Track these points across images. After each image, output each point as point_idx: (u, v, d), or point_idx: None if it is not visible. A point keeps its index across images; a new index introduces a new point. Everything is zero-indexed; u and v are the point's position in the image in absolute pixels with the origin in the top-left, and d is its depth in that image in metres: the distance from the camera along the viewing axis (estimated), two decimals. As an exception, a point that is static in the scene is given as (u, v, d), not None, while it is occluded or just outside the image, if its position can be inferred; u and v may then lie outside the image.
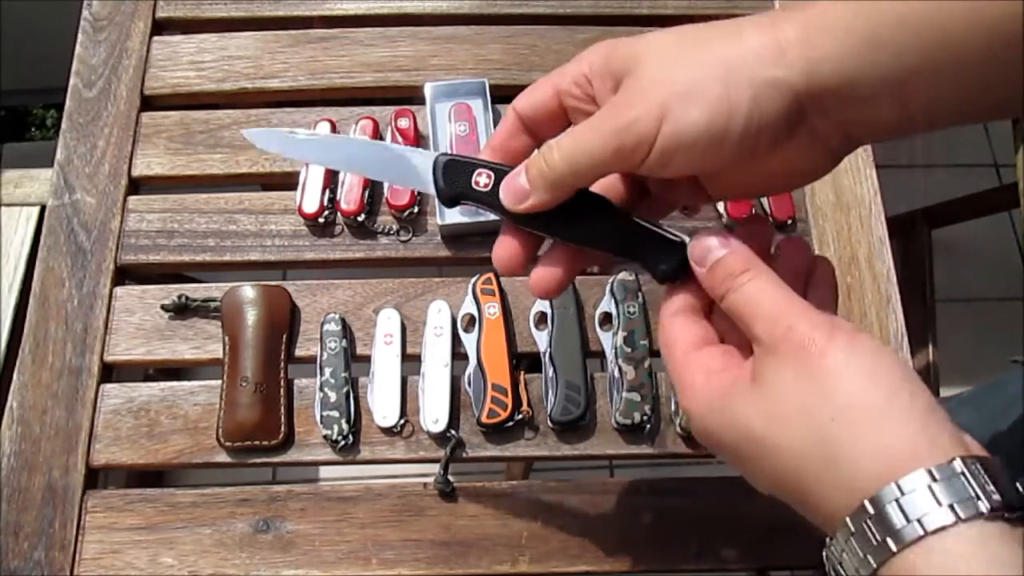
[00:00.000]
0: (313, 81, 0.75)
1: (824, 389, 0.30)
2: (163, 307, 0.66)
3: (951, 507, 0.26)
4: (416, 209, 0.69)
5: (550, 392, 0.62)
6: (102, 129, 0.72)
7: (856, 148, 0.34)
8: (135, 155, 0.72)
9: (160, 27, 0.77)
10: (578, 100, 0.37)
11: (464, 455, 0.62)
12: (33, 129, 1.63)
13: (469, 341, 0.64)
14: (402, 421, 0.62)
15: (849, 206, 0.71)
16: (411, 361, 0.64)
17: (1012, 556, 0.26)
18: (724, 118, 0.31)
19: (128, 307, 0.66)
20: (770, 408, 0.31)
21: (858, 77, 0.30)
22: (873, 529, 0.27)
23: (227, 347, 0.63)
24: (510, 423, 0.61)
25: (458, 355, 0.64)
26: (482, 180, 0.38)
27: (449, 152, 0.40)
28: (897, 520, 0.26)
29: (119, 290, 0.67)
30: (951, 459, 0.27)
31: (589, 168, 0.34)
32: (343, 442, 0.61)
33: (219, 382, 0.63)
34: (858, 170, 0.72)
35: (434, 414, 0.62)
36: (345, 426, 0.61)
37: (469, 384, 0.62)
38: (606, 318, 0.65)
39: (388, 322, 0.65)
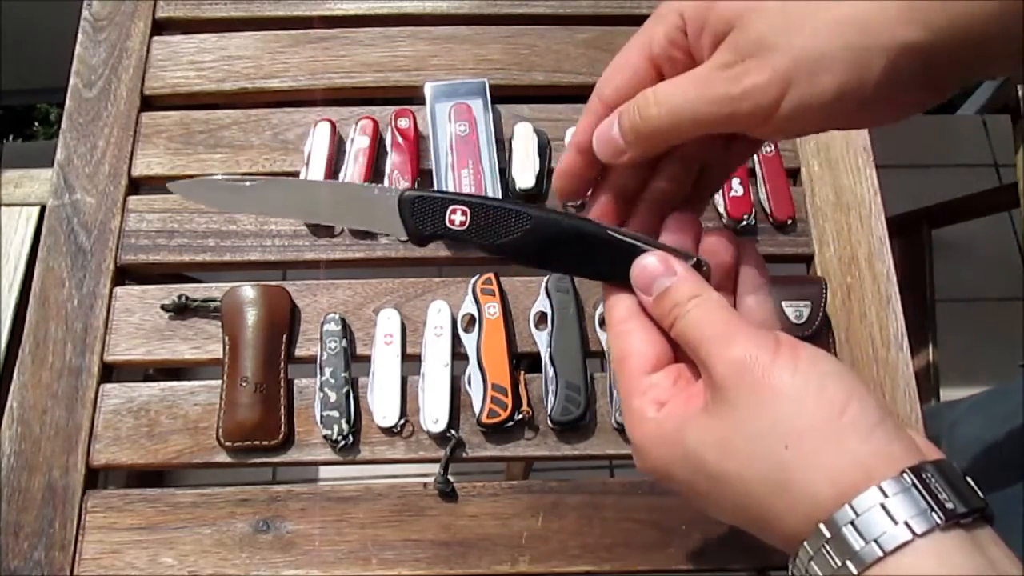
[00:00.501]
0: (313, 81, 0.75)
1: (772, 413, 0.29)
2: (163, 307, 0.66)
3: (906, 524, 0.26)
4: (416, 209, 0.69)
5: (550, 392, 0.62)
6: (102, 129, 0.72)
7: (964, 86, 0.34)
8: (135, 155, 0.72)
9: (160, 27, 0.77)
10: (676, 61, 0.34)
11: (464, 455, 0.62)
12: (36, 124, 1.63)
13: (469, 341, 0.64)
14: (402, 421, 0.62)
15: (849, 206, 0.71)
16: (411, 361, 0.64)
17: (972, 565, 0.26)
18: (856, 85, 0.29)
19: (128, 307, 0.66)
20: (721, 438, 0.30)
21: (997, 30, 0.28)
22: (832, 553, 0.27)
23: (227, 347, 0.63)
24: (510, 423, 0.61)
25: (458, 355, 0.64)
26: (457, 218, 0.35)
27: (413, 188, 0.36)
28: (855, 543, 0.26)
29: (119, 290, 0.67)
30: (901, 472, 0.27)
31: (692, 128, 0.32)
32: (343, 442, 0.61)
33: (219, 382, 0.63)
34: (858, 170, 0.72)
35: (434, 414, 0.62)
36: (345, 426, 0.61)
37: (469, 384, 0.62)
38: (606, 318, 0.65)
39: (388, 322, 0.65)
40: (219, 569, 0.59)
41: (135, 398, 0.64)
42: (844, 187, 0.71)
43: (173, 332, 0.66)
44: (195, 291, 0.66)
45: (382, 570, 0.59)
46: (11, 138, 1.61)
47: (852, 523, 0.26)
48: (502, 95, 0.74)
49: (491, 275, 0.66)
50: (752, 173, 0.71)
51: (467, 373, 0.63)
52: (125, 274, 0.69)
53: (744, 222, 0.69)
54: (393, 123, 0.71)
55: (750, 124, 0.31)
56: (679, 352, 0.35)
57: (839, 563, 0.27)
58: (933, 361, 1.31)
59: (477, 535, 0.60)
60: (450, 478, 0.61)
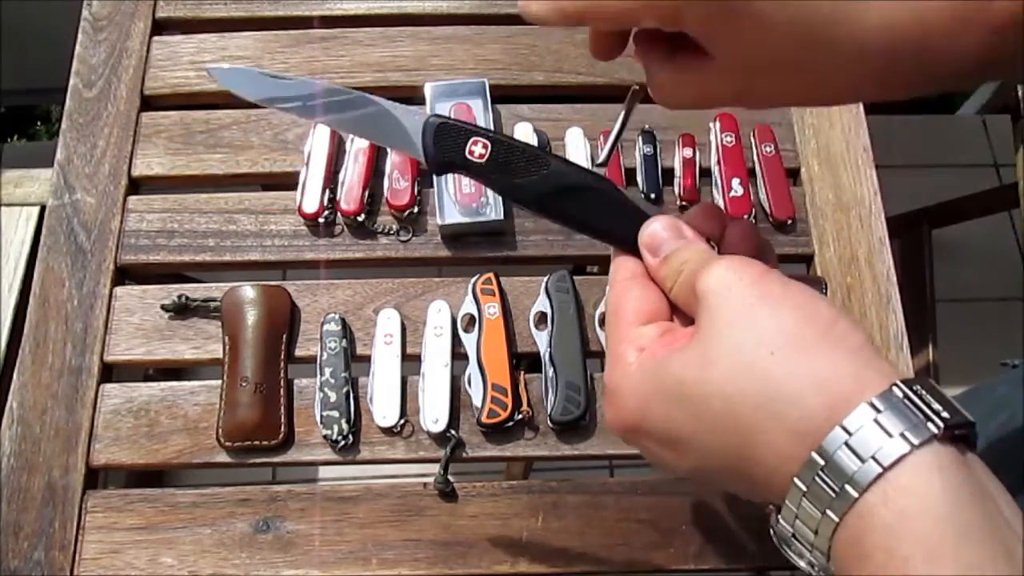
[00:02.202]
0: (313, 81, 0.75)
1: (758, 321, 0.28)
2: (163, 307, 0.66)
3: (902, 435, 0.24)
4: (416, 209, 0.69)
5: (550, 392, 0.62)
6: (102, 129, 0.72)
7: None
8: (135, 155, 0.72)
9: (160, 27, 0.77)
10: None
11: (464, 455, 0.62)
12: (39, 123, 1.63)
13: (469, 341, 0.64)
14: (402, 421, 0.62)
15: (849, 206, 0.71)
16: (411, 361, 0.64)
17: (969, 484, 0.24)
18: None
19: (128, 307, 0.66)
20: (703, 352, 0.28)
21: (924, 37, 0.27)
22: (828, 480, 0.25)
23: (227, 347, 0.63)
24: (510, 423, 0.61)
25: (458, 355, 0.64)
26: (477, 149, 0.35)
27: (441, 115, 0.36)
28: (851, 463, 0.24)
29: (119, 290, 0.67)
30: (891, 386, 0.25)
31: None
32: (343, 442, 0.61)
33: (219, 382, 0.63)
34: (858, 170, 0.72)
35: (434, 414, 0.62)
36: (345, 426, 0.61)
37: (469, 384, 0.62)
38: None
39: (388, 322, 0.65)
40: (219, 569, 0.59)
41: (135, 398, 0.64)
42: (844, 187, 0.71)
43: (173, 332, 0.66)
44: (195, 291, 0.66)
45: (382, 570, 0.59)
46: (15, 138, 1.61)
47: (846, 443, 0.25)
48: (502, 95, 0.74)
49: (491, 275, 0.66)
50: (752, 173, 0.71)
51: (467, 373, 0.63)
52: (125, 274, 0.69)
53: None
54: (393, 123, 0.71)
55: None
56: (677, 314, 0.34)
57: (837, 489, 0.24)
58: (933, 361, 1.31)
59: (477, 535, 0.60)
60: (450, 478, 0.61)
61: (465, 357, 0.64)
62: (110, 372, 0.65)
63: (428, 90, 0.72)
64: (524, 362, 0.65)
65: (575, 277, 0.66)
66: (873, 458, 0.24)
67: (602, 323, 0.65)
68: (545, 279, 0.66)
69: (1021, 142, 1.02)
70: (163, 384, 0.64)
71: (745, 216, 0.68)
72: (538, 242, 0.69)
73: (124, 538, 0.60)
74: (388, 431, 0.62)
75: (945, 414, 0.25)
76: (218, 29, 0.77)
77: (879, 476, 0.24)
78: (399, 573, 0.59)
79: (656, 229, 0.34)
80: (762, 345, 0.27)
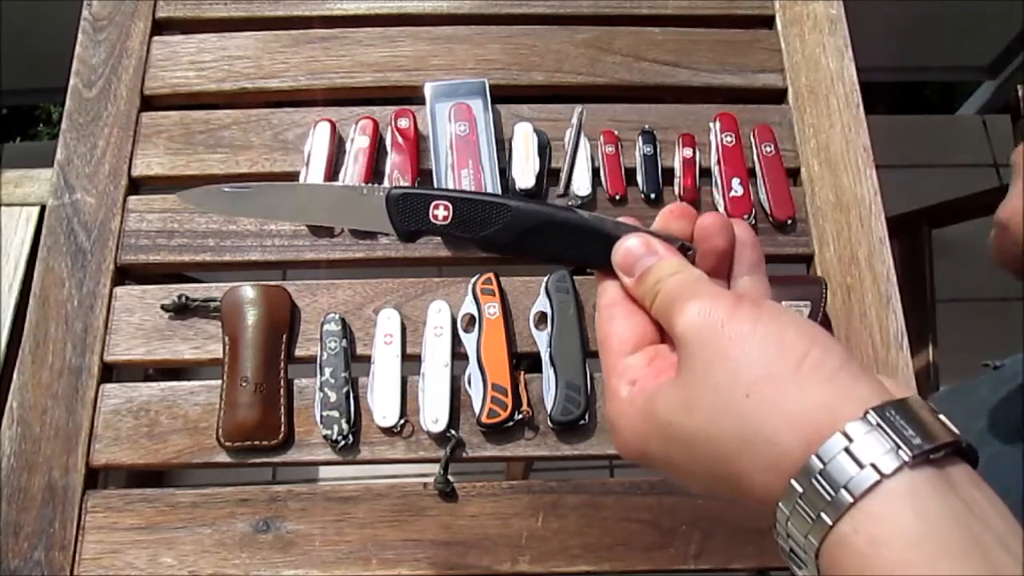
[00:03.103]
0: (313, 81, 0.75)
1: (732, 363, 0.28)
2: (163, 307, 0.66)
3: (872, 465, 0.24)
4: (416, 209, 0.69)
5: (550, 392, 0.62)
6: (102, 129, 0.72)
7: None
8: (135, 155, 0.72)
9: (160, 27, 0.77)
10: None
11: (464, 455, 0.62)
12: (40, 125, 1.63)
13: (469, 341, 0.64)
14: (402, 421, 0.62)
15: (849, 206, 0.71)
16: (411, 361, 0.64)
17: (947, 507, 0.24)
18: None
19: (128, 307, 0.66)
20: (685, 395, 0.29)
21: None
22: (806, 507, 0.26)
23: (227, 347, 0.63)
24: (510, 423, 0.61)
25: (458, 355, 0.64)
26: (440, 212, 0.36)
27: (398, 185, 0.38)
28: (826, 493, 0.25)
29: (119, 290, 0.67)
30: (864, 413, 0.26)
31: None
32: (343, 442, 0.61)
33: (219, 382, 0.63)
34: (858, 170, 0.72)
35: (434, 414, 0.62)
36: (345, 426, 0.61)
37: (469, 384, 0.62)
38: (606, 318, 0.65)
39: (388, 322, 0.65)
40: (219, 569, 0.59)
41: (135, 398, 0.64)
42: (844, 187, 0.71)
43: (173, 332, 0.66)
44: (195, 291, 0.66)
45: (382, 570, 0.59)
46: (18, 139, 1.61)
47: (820, 473, 0.25)
48: (502, 95, 0.74)
49: (491, 275, 0.66)
50: (752, 173, 0.71)
51: (467, 373, 0.63)
52: (125, 274, 0.69)
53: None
54: (393, 123, 0.71)
55: None
56: (665, 335, 0.34)
57: (815, 516, 0.25)
58: (933, 361, 1.31)
59: (477, 535, 0.60)
60: (450, 478, 0.61)
61: (465, 357, 0.64)
62: (110, 372, 0.65)
63: (428, 90, 0.72)
64: (524, 362, 0.65)
65: (575, 277, 0.66)
66: (845, 487, 0.25)
67: None
68: (545, 279, 0.66)
69: (1021, 142, 1.02)
70: (163, 384, 0.64)
71: (744, 216, 0.68)
72: (538, 242, 0.69)
73: (124, 538, 0.60)
74: (388, 431, 0.62)
75: (918, 440, 0.25)
76: (218, 29, 0.77)
77: (851, 505, 0.24)
78: (399, 573, 0.59)
79: (627, 248, 0.34)
80: (738, 386, 0.28)
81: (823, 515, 0.25)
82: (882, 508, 0.24)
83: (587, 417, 0.62)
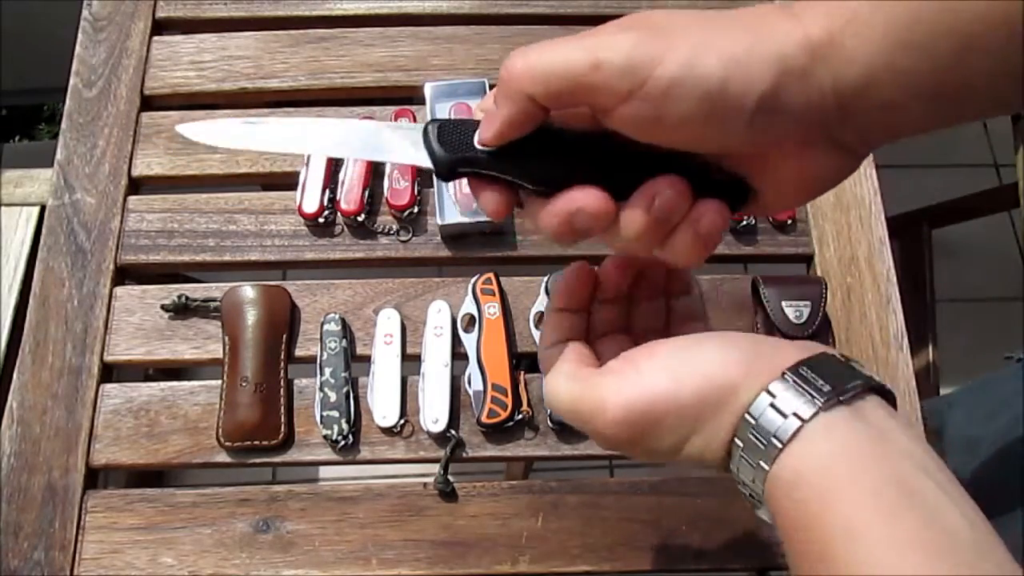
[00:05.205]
0: (313, 81, 0.75)
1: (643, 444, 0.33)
2: (163, 307, 0.66)
3: (794, 414, 0.29)
4: (416, 209, 0.69)
5: (550, 392, 0.62)
6: (102, 129, 0.72)
7: (876, 148, 0.33)
8: (135, 155, 0.72)
9: (160, 27, 0.77)
10: None
11: (464, 455, 0.62)
12: (42, 124, 1.63)
13: (469, 341, 0.64)
14: (402, 421, 0.62)
15: (849, 206, 0.71)
16: (411, 361, 0.64)
17: (855, 432, 0.28)
18: (742, 83, 0.28)
19: (128, 307, 0.66)
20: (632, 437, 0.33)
21: (889, 81, 0.28)
22: (748, 458, 0.30)
23: (227, 347, 0.63)
24: (510, 423, 0.61)
25: (458, 355, 0.64)
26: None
27: (437, 119, 0.33)
28: (760, 443, 0.30)
29: (119, 290, 0.67)
30: (782, 374, 0.30)
31: (558, 79, 0.29)
32: (343, 442, 0.61)
33: (219, 382, 0.63)
34: (858, 170, 0.72)
35: (434, 414, 0.62)
36: (345, 426, 0.61)
37: (469, 384, 0.62)
38: (606, 318, 0.65)
39: (388, 322, 0.65)
40: (219, 569, 0.59)
41: (135, 398, 0.64)
42: (844, 187, 0.71)
43: (173, 332, 0.66)
44: (195, 291, 0.66)
45: (382, 570, 0.59)
46: (17, 138, 1.61)
47: (754, 428, 0.30)
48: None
49: (491, 275, 0.66)
50: (752, 173, 0.71)
51: (467, 373, 0.63)
52: (125, 274, 0.69)
53: (744, 222, 0.69)
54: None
55: (619, 85, 0.28)
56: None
57: (755, 464, 0.30)
58: (933, 361, 1.31)
59: (477, 535, 0.60)
60: (450, 478, 0.61)
61: (465, 357, 0.64)
62: (110, 372, 0.65)
63: (428, 90, 0.72)
64: (524, 362, 0.65)
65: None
66: (774, 436, 0.29)
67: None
68: (545, 279, 0.66)
69: (1021, 142, 1.02)
70: (163, 384, 0.64)
71: (745, 216, 0.68)
72: (538, 242, 0.69)
73: (124, 538, 0.60)
74: (388, 431, 0.62)
75: (828, 387, 0.29)
76: (218, 29, 0.77)
77: (780, 451, 0.29)
78: (399, 573, 0.59)
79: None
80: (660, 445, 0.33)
81: (761, 463, 0.30)
82: (802, 446, 0.29)
83: (587, 417, 0.62)
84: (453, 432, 0.62)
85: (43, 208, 0.76)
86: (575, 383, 0.34)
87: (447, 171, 0.33)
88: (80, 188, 0.70)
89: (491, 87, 0.72)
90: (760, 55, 0.28)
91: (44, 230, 0.68)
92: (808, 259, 0.70)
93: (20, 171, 0.80)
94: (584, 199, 0.31)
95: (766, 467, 0.29)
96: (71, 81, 0.74)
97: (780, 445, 0.29)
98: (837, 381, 0.29)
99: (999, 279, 1.48)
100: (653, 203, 0.31)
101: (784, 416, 0.29)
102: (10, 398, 0.63)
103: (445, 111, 0.71)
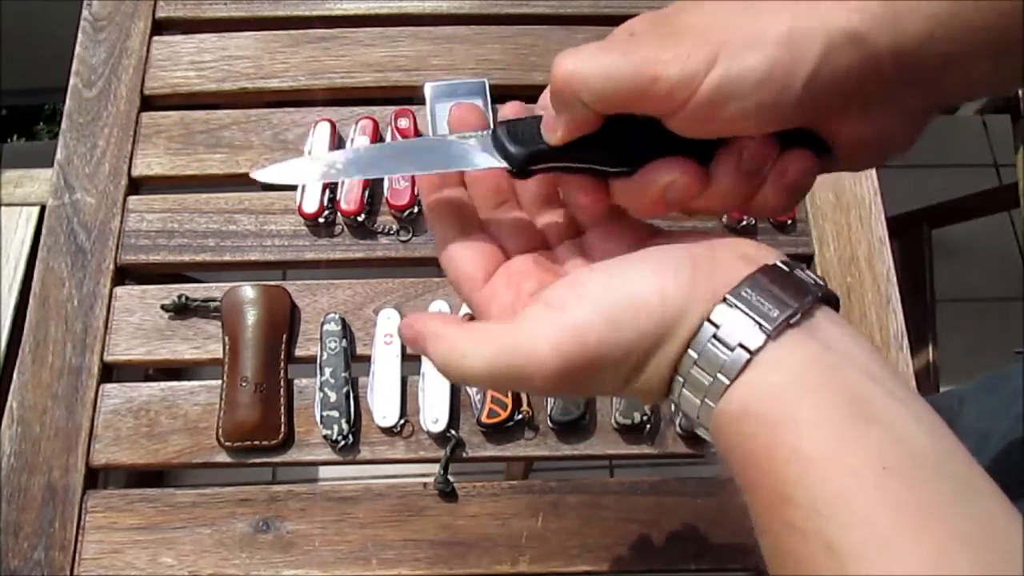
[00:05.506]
0: (313, 81, 0.75)
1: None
2: (163, 307, 0.66)
3: (741, 346, 0.27)
4: (416, 209, 0.69)
5: (550, 392, 0.62)
6: (102, 129, 0.72)
7: (943, 109, 0.31)
8: (135, 155, 0.72)
9: (160, 27, 0.77)
10: None
11: (464, 455, 0.62)
12: (41, 123, 1.63)
13: (469, 341, 0.64)
14: (402, 421, 0.62)
15: (849, 206, 0.71)
16: (411, 361, 0.64)
17: (808, 356, 0.26)
18: (786, 66, 0.27)
19: (128, 307, 0.66)
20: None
21: (952, 34, 0.27)
22: (692, 394, 0.28)
23: (227, 347, 0.63)
24: (510, 423, 0.61)
25: (458, 355, 0.64)
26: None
27: (505, 119, 0.33)
28: (705, 379, 0.27)
29: (119, 290, 0.67)
30: (723, 299, 0.27)
31: (613, 92, 0.29)
32: (343, 442, 0.61)
33: (219, 382, 0.63)
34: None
35: (434, 414, 0.62)
36: (345, 426, 0.61)
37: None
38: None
39: (388, 322, 0.65)
40: (219, 569, 0.59)
41: (135, 398, 0.64)
42: (844, 187, 0.71)
43: (173, 332, 0.66)
44: (195, 291, 0.66)
45: (382, 570, 0.59)
46: (15, 138, 1.61)
47: (697, 363, 0.27)
48: (502, 95, 0.74)
49: (491, 275, 0.66)
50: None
51: (467, 373, 0.63)
52: (125, 274, 0.69)
53: (744, 222, 0.69)
54: (393, 123, 0.71)
55: (673, 96, 0.28)
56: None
57: (699, 401, 0.28)
58: (933, 361, 1.31)
59: (477, 535, 0.60)
60: (450, 478, 0.61)
61: (465, 357, 0.64)
62: (110, 372, 0.65)
63: (428, 90, 0.72)
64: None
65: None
66: (720, 373, 0.27)
67: None
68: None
69: (1021, 142, 1.02)
70: (163, 384, 0.64)
71: (745, 215, 0.68)
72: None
73: (124, 538, 0.60)
74: (388, 431, 0.62)
75: (774, 313, 0.27)
76: (218, 29, 0.77)
77: (728, 387, 0.27)
78: (399, 573, 0.59)
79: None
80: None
81: (707, 399, 0.27)
82: (749, 378, 0.27)
83: (587, 417, 0.62)
84: (453, 432, 0.62)
85: (43, 208, 0.76)
86: (485, 346, 0.30)
87: (521, 168, 0.32)
88: (80, 188, 0.70)
89: (491, 87, 0.72)
90: (803, 33, 0.27)
91: (44, 230, 0.68)
92: (808, 259, 0.70)
93: (20, 171, 0.80)
94: (672, 171, 0.30)
95: (712, 404, 0.27)
96: (71, 81, 0.74)
97: (727, 382, 0.27)
98: (784, 300, 0.27)
99: (999, 279, 1.48)
100: (741, 157, 0.30)
101: (730, 349, 0.27)
102: (10, 398, 0.63)
103: (445, 111, 0.71)
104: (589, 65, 0.29)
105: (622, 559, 0.59)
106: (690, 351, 0.28)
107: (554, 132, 0.31)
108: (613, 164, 0.32)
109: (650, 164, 0.31)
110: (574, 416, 0.61)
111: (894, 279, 0.68)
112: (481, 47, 0.76)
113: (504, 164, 0.32)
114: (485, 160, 0.33)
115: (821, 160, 0.31)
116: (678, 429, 0.62)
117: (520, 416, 0.62)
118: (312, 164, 0.34)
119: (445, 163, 0.34)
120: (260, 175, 0.35)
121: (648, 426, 0.62)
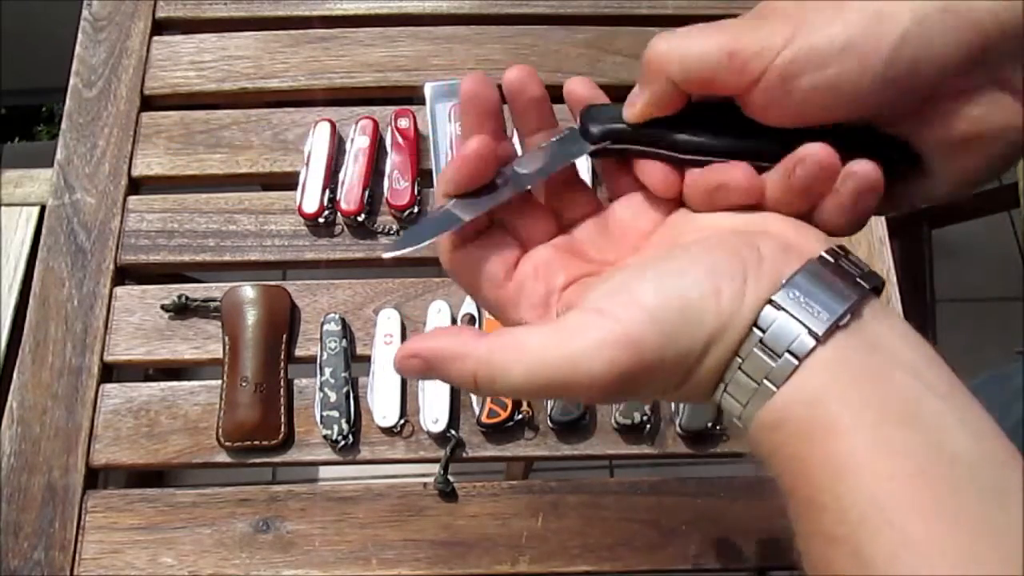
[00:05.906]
0: (313, 81, 0.75)
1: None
2: (163, 307, 0.66)
3: (789, 352, 0.25)
4: (416, 209, 0.69)
5: (550, 392, 0.62)
6: (102, 129, 0.72)
7: None
8: (135, 155, 0.72)
9: (160, 27, 0.77)
10: None
11: (464, 455, 0.62)
12: (41, 124, 1.63)
13: (469, 341, 0.64)
14: (402, 421, 0.62)
15: (849, 206, 0.70)
16: (411, 361, 0.64)
17: (858, 362, 0.25)
18: (868, 37, 0.25)
19: (128, 307, 0.66)
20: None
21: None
22: (736, 398, 0.27)
23: (227, 347, 0.63)
24: (510, 423, 0.61)
25: (458, 355, 0.64)
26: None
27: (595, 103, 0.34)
28: (751, 385, 0.26)
29: (119, 290, 0.67)
30: (768, 302, 0.26)
31: (696, 66, 0.28)
32: (343, 442, 0.61)
33: (219, 382, 0.63)
34: (858, 170, 0.72)
35: (434, 414, 0.62)
36: (345, 426, 0.61)
37: (469, 384, 0.62)
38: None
39: (388, 322, 0.65)
40: (219, 569, 0.59)
41: (135, 398, 0.64)
42: (844, 187, 0.71)
43: (173, 332, 0.66)
44: (195, 291, 0.66)
45: (382, 570, 0.59)
46: (16, 139, 1.61)
47: (741, 367, 0.26)
48: (502, 95, 0.74)
49: (491, 275, 0.66)
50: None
51: (467, 373, 0.63)
52: (125, 274, 0.69)
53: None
54: (393, 123, 0.71)
55: (750, 68, 0.27)
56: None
57: (743, 405, 0.27)
58: (933, 361, 1.31)
59: (477, 535, 0.60)
60: (450, 478, 0.61)
61: (465, 357, 0.64)
62: (110, 372, 0.65)
63: (428, 90, 0.72)
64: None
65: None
66: (767, 379, 0.26)
67: None
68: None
69: (1021, 142, 1.01)
70: (163, 384, 0.64)
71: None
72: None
73: (124, 538, 0.60)
74: (388, 431, 0.62)
75: (824, 315, 0.25)
76: (218, 29, 0.77)
77: (773, 394, 0.26)
78: (399, 573, 0.59)
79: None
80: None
81: (750, 404, 0.26)
82: (793, 383, 0.25)
83: (587, 417, 0.62)
84: (453, 432, 0.62)
85: (43, 208, 0.76)
86: (525, 360, 0.27)
87: (598, 142, 0.33)
88: (80, 188, 0.70)
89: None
90: (892, 7, 0.25)
91: (44, 230, 0.68)
92: (808, 259, 0.70)
93: (20, 171, 0.80)
94: (725, 176, 0.30)
95: (756, 409, 0.26)
96: (71, 81, 0.74)
97: (774, 388, 0.26)
98: (832, 300, 0.26)
99: (999, 279, 1.48)
100: (794, 173, 0.28)
101: (777, 355, 0.25)
102: (10, 398, 0.63)
103: (445, 111, 0.71)
104: (678, 43, 0.29)
105: (622, 559, 0.59)
106: (737, 356, 0.27)
107: (633, 106, 0.31)
108: (688, 151, 0.31)
109: (715, 164, 0.30)
110: (574, 416, 0.61)
111: (894, 279, 0.68)
112: (481, 47, 0.76)
113: (586, 147, 0.33)
114: (574, 153, 0.33)
115: (910, 179, 0.29)
116: (678, 429, 0.62)
117: (520, 416, 0.62)
118: (432, 222, 0.32)
119: (559, 163, 0.34)
120: (392, 253, 0.34)
121: (648, 426, 0.62)
